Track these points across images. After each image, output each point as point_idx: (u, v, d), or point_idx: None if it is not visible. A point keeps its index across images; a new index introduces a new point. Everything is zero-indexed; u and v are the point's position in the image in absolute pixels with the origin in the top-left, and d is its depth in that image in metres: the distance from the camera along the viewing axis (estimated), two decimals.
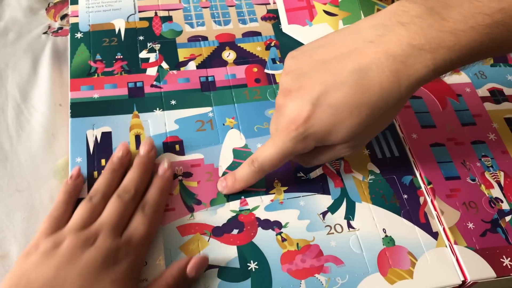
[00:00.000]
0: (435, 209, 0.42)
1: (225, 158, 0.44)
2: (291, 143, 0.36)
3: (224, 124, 0.46)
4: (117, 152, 0.41)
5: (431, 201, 0.43)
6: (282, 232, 0.40)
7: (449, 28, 0.32)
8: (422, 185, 0.44)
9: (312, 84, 0.35)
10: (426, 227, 0.42)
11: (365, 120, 0.34)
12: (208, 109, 0.47)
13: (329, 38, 0.37)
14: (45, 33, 0.53)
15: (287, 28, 0.53)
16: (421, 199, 0.43)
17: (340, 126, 0.35)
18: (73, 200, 0.38)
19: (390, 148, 0.46)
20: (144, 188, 0.39)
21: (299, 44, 0.52)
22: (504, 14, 0.32)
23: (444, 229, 0.41)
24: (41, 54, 0.51)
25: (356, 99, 0.34)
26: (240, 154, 0.44)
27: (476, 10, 0.32)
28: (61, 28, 0.53)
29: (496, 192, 0.44)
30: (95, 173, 0.41)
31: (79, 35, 0.50)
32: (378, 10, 0.53)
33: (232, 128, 0.46)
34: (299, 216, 0.41)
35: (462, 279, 0.39)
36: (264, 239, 0.40)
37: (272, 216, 0.41)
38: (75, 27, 0.51)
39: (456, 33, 0.32)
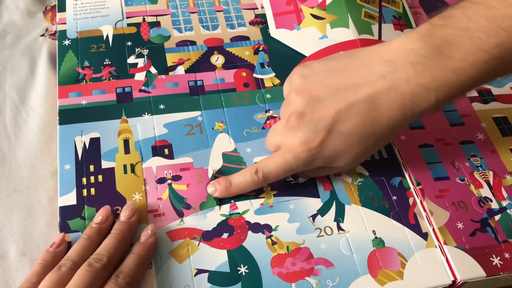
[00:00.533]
0: (425, 210, 0.42)
1: (215, 162, 0.44)
2: (300, 161, 0.39)
3: (213, 128, 0.46)
4: (96, 218, 0.38)
5: (421, 202, 0.43)
6: (272, 236, 0.40)
7: (452, 67, 0.35)
8: (411, 186, 0.44)
9: (326, 110, 0.38)
10: (415, 228, 0.42)
11: (370, 147, 0.39)
12: (197, 113, 0.47)
13: (340, 63, 0.39)
14: (42, 35, 0.53)
15: (275, 32, 0.53)
16: (411, 200, 0.43)
17: (348, 152, 0.39)
18: (48, 270, 0.35)
19: (379, 150, 0.46)
20: (120, 256, 0.37)
21: (288, 48, 0.52)
22: (501, 48, 0.34)
23: (433, 229, 0.41)
24: (38, 56, 0.51)
25: (366, 129, 0.38)
26: (230, 159, 0.44)
27: (476, 46, 0.34)
28: None
29: (485, 192, 0.44)
30: (84, 179, 0.41)
31: (66, 42, 0.50)
32: (366, 13, 0.54)
33: (221, 132, 0.46)
34: (289, 219, 0.41)
35: (452, 279, 0.39)
36: (254, 242, 0.40)
37: (262, 219, 0.41)
38: (62, 35, 0.51)
39: (458, 72, 0.35)
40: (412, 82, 0.36)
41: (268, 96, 0.49)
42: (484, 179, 0.45)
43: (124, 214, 0.39)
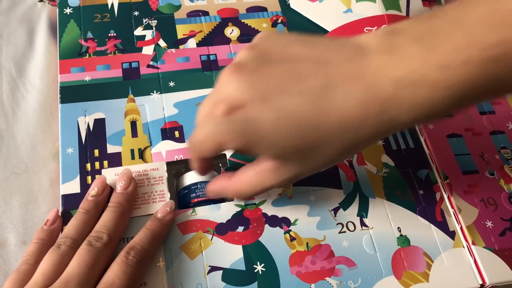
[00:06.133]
0: (452, 206, 0.40)
1: None
2: (216, 124, 0.31)
3: None
4: (91, 189, 0.36)
5: (448, 197, 0.40)
6: (290, 230, 0.37)
7: (435, 61, 0.26)
8: (439, 180, 0.41)
9: (272, 72, 0.30)
10: (442, 225, 0.39)
11: (310, 146, 0.29)
12: (210, 90, 0.43)
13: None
14: (41, 1, 0.49)
15: (295, 3, 0.49)
16: (437, 195, 0.41)
17: (279, 136, 0.29)
18: (46, 250, 0.33)
19: (405, 139, 0.43)
20: (121, 231, 0.35)
21: (308, 21, 0.48)
22: (506, 47, 0.25)
23: (461, 228, 0.39)
24: (37, 24, 0.47)
25: (308, 117, 0.28)
26: None
27: (471, 41, 0.25)
28: None
29: None
30: (88, 165, 0.38)
31: (68, 10, 0.46)
32: None
33: None
34: (309, 212, 0.38)
35: (481, 282, 0.37)
36: (271, 237, 0.37)
37: (280, 212, 0.38)
38: (63, 2, 0.46)
39: (443, 69, 0.26)
40: (382, 74, 0.27)
41: None
42: None
43: (120, 184, 0.36)
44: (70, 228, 0.34)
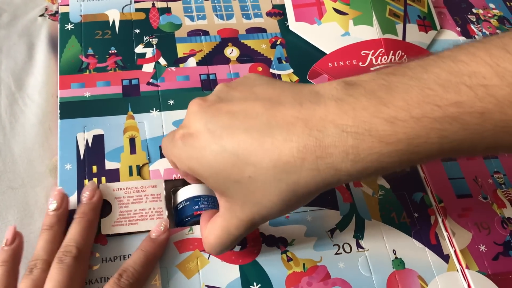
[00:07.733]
0: (446, 230, 0.40)
1: None
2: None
3: None
4: (50, 204, 0.35)
5: (442, 220, 0.41)
6: (287, 251, 0.38)
7: (386, 114, 0.26)
8: (433, 203, 0.42)
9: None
10: (436, 249, 0.39)
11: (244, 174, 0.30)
12: None
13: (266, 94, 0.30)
14: (42, 15, 0.49)
15: (294, 25, 0.50)
16: (432, 219, 0.41)
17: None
18: (11, 272, 0.33)
19: None
20: (90, 242, 0.35)
21: (307, 43, 0.49)
22: (461, 108, 0.25)
23: (455, 251, 0.39)
24: (37, 38, 0.47)
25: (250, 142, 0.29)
26: None
27: (426, 99, 0.25)
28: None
29: (508, 212, 0.42)
30: (86, 181, 0.38)
31: (69, 26, 0.46)
32: (391, 11, 0.50)
33: None
34: (306, 232, 0.39)
35: None
36: (268, 257, 0.37)
37: (277, 231, 0.38)
38: (65, 18, 0.46)
39: (393, 121, 0.25)
40: (328, 120, 0.26)
41: None
42: (508, 197, 0.43)
43: (84, 195, 0.36)
44: (38, 249, 0.34)
